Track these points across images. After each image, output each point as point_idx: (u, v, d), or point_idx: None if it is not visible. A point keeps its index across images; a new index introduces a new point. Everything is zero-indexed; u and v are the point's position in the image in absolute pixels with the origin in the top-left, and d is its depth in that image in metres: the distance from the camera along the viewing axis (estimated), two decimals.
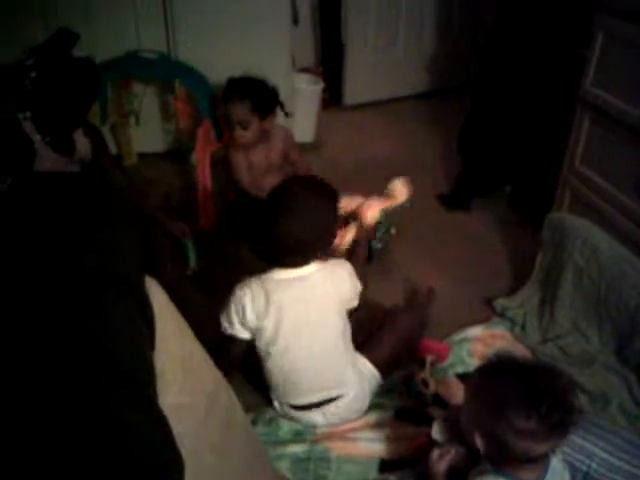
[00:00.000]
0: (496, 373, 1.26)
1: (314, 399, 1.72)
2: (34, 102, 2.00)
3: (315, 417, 1.75)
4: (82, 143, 2.19)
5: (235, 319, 1.65)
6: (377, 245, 2.45)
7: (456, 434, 1.40)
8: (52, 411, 0.79)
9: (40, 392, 0.80)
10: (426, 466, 1.41)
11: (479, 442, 1.24)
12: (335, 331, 1.71)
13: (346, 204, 2.09)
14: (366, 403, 1.79)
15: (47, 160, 2.03)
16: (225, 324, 1.68)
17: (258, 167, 2.44)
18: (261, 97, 2.35)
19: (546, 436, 1.17)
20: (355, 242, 2.11)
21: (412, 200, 2.24)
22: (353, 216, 2.17)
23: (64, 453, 0.77)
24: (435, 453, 1.39)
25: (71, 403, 0.80)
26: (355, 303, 1.76)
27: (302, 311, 1.65)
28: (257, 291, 1.63)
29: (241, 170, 2.42)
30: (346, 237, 2.12)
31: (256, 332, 1.66)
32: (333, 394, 1.72)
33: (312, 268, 1.66)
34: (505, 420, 1.17)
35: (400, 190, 2.19)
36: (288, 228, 1.60)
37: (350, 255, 2.04)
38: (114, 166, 2.38)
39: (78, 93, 2.02)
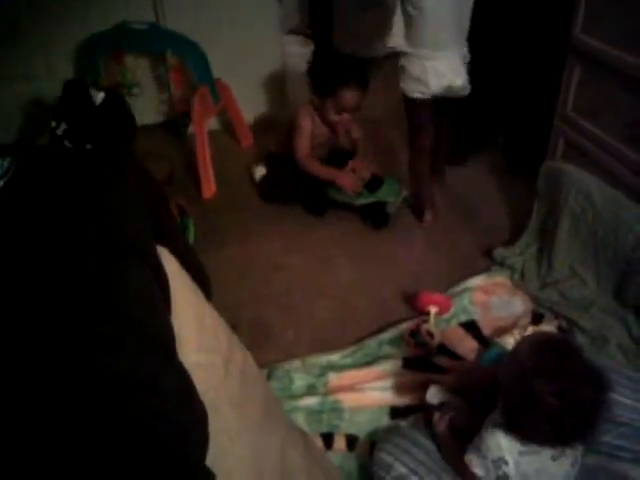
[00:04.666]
0: (547, 350, 1.21)
1: None
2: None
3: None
4: None
5: None
6: (392, 209, 2.50)
7: (458, 391, 1.52)
8: (82, 378, 0.82)
9: (67, 362, 0.83)
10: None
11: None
12: None
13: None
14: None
15: None
16: None
17: (319, 139, 2.52)
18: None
19: (552, 430, 1.16)
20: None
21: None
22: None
23: (97, 417, 0.81)
24: (436, 416, 1.48)
25: (101, 369, 0.84)
26: None
27: None
28: None
29: (304, 139, 2.48)
30: None
31: None
32: None
33: None
34: (528, 385, 1.16)
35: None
36: None
37: None
38: None
39: (115, 134, 2.05)
